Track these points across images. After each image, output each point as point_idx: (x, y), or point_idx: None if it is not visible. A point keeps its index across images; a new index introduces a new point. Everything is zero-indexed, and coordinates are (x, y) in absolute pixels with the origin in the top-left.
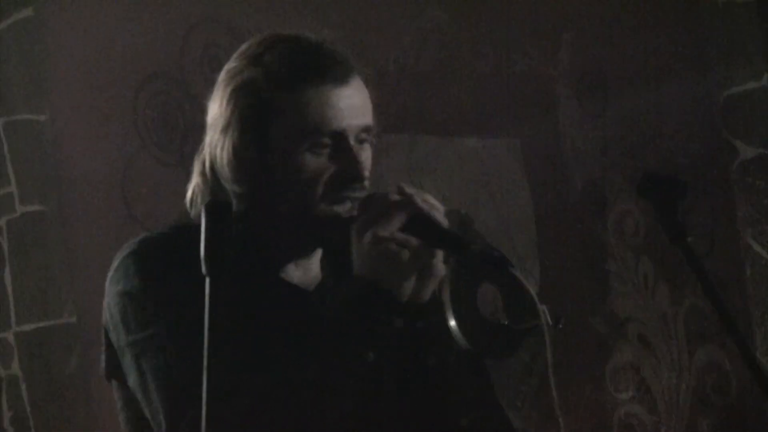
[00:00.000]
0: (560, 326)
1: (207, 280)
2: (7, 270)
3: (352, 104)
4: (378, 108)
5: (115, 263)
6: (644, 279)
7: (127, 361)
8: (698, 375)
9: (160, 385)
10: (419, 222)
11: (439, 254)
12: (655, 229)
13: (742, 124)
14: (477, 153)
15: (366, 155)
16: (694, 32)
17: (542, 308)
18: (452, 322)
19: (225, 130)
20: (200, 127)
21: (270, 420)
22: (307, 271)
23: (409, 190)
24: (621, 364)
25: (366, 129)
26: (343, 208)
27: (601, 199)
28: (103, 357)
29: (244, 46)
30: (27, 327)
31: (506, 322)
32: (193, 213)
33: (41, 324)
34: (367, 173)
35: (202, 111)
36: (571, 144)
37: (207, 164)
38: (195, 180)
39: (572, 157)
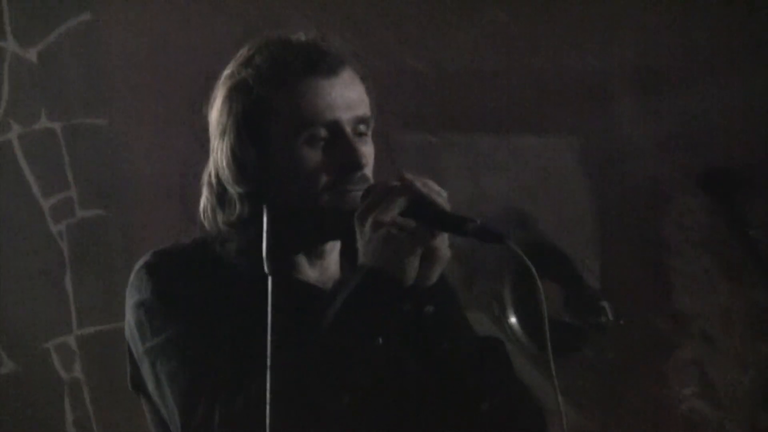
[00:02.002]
0: (622, 323)
1: (269, 279)
2: (68, 274)
3: (344, 95)
4: (437, 107)
5: (132, 277)
6: (706, 274)
7: (146, 369)
8: (762, 370)
9: (173, 388)
10: (419, 206)
11: (443, 237)
12: (716, 225)
13: None
14: (536, 151)
15: (366, 148)
16: (754, 28)
17: (604, 304)
18: (512, 320)
19: (223, 134)
20: None
21: (286, 414)
22: (324, 270)
23: (408, 175)
24: (684, 361)
25: (362, 120)
26: (347, 199)
27: (661, 195)
28: (128, 370)
29: (238, 52)
30: (88, 331)
31: (568, 320)
32: (207, 225)
33: (102, 327)
34: (366, 163)
35: None
36: (630, 140)
37: (212, 172)
38: (204, 192)
39: (631, 153)
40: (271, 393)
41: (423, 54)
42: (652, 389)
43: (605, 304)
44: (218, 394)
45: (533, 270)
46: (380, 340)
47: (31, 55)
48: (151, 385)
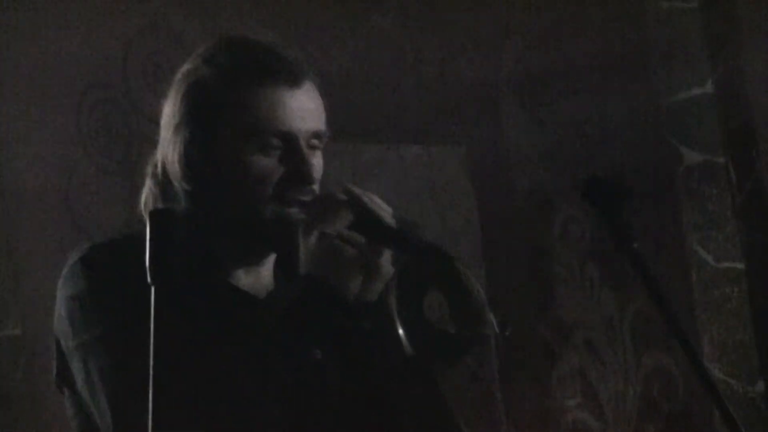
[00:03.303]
0: (507, 333)
1: (152, 289)
2: None
3: (303, 107)
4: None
5: (65, 269)
6: (590, 284)
7: (75, 364)
8: (645, 380)
9: (106, 386)
10: (366, 221)
11: (387, 254)
12: (600, 235)
13: (687, 130)
14: (422, 160)
15: (317, 161)
16: (638, 38)
17: (490, 316)
18: (399, 330)
19: (177, 128)
20: (143, 135)
21: (217, 421)
22: (258, 278)
23: (356, 190)
24: (567, 370)
25: (317, 135)
26: (292, 211)
27: (547, 205)
28: (54, 364)
29: (200, 49)
30: None
31: (452, 330)
32: (145, 216)
33: None
34: (317, 177)
35: (146, 119)
36: (516, 150)
37: (159, 165)
38: (147, 183)
39: (517, 163)
40: (202, 397)
41: (307, 61)
42: (536, 399)
43: (490, 314)
44: (151, 393)
45: (482, 298)
46: (318, 353)
47: None
48: (80, 380)
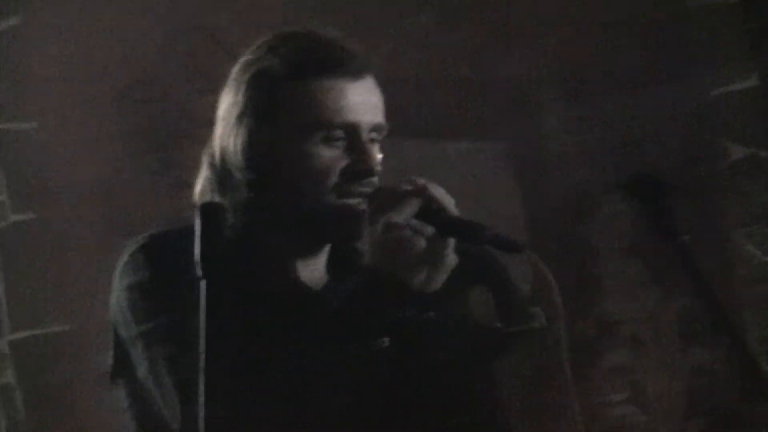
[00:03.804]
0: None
1: (202, 283)
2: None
3: (365, 100)
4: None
5: (124, 257)
6: (634, 280)
7: (137, 352)
8: (690, 376)
9: (173, 371)
10: (432, 210)
11: (451, 244)
12: (644, 231)
13: (731, 124)
14: (464, 156)
15: (377, 153)
16: (680, 33)
17: (535, 310)
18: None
19: (240, 118)
20: (184, 133)
21: (274, 417)
22: (315, 270)
23: (421, 180)
24: (614, 367)
25: (377, 128)
26: (354, 201)
27: (590, 201)
28: (110, 354)
29: (260, 41)
30: (20, 335)
31: (498, 325)
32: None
33: (34, 332)
34: (378, 169)
35: (187, 117)
36: (558, 146)
37: (217, 156)
38: (204, 173)
39: (559, 159)
40: (269, 391)
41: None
42: (582, 395)
43: (535, 310)
44: (219, 383)
45: (550, 278)
46: (386, 342)
47: None
48: (143, 369)
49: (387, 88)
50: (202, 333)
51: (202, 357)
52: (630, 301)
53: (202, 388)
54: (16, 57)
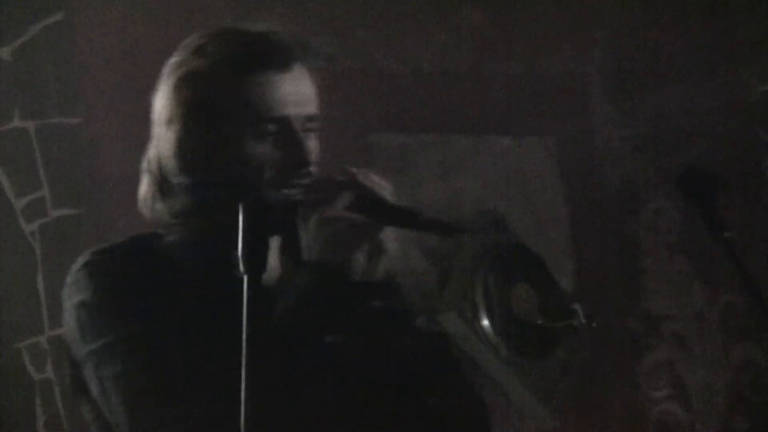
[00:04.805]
0: (594, 325)
1: (245, 279)
2: (39, 274)
3: (295, 91)
4: (412, 108)
5: (69, 277)
6: (679, 276)
7: (88, 372)
8: (735, 373)
9: (119, 392)
10: (365, 200)
11: (388, 231)
12: (690, 227)
13: None
14: (511, 152)
15: (313, 144)
16: (727, 28)
17: (576, 307)
18: (485, 322)
19: (169, 122)
20: None
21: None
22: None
23: (352, 169)
24: (657, 363)
25: (311, 118)
26: (290, 192)
27: (636, 197)
28: (68, 372)
29: (187, 40)
30: (60, 331)
31: (541, 322)
32: (146, 214)
33: None
34: (313, 160)
35: None
36: (605, 142)
37: (154, 160)
38: (144, 179)
39: (606, 154)
40: (226, 392)
41: (398, 55)
42: (624, 392)
43: (578, 306)
44: (168, 396)
45: (563, 289)
46: (329, 339)
47: (5, 54)
48: (94, 388)
49: (436, 83)
50: (246, 330)
51: (244, 357)
52: (675, 297)
53: (244, 388)
54: (61, 52)
